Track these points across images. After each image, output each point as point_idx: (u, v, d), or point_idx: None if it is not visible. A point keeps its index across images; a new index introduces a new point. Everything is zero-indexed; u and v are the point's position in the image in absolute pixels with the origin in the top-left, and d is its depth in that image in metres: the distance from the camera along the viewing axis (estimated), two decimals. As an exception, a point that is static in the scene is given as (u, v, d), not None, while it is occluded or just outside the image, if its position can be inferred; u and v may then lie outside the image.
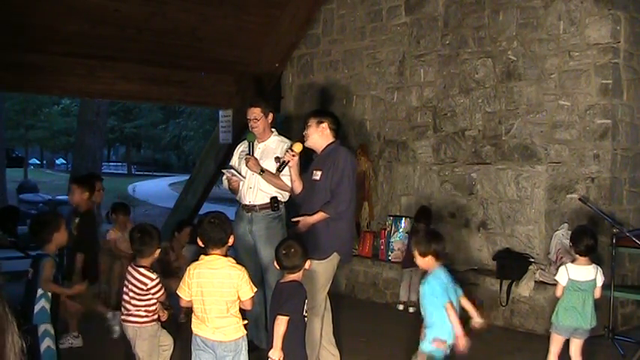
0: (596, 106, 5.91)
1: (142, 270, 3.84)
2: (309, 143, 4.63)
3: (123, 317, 3.94)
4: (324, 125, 4.58)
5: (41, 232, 4.12)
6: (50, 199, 16.37)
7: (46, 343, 3.93)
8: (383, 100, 7.69)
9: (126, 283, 3.90)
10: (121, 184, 26.64)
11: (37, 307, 3.96)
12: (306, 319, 3.64)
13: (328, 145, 4.60)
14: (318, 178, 4.51)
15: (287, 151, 4.61)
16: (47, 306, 3.99)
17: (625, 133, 6.01)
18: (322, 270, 4.39)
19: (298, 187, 4.69)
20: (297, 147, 4.58)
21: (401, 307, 6.60)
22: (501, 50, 6.54)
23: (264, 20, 8.16)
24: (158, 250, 3.94)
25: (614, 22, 5.85)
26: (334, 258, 4.48)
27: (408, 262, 6.14)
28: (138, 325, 3.86)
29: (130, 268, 3.93)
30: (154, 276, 3.85)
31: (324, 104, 8.22)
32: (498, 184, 6.57)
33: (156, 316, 3.90)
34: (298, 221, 4.53)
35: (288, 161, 4.56)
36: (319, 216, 4.42)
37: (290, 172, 4.66)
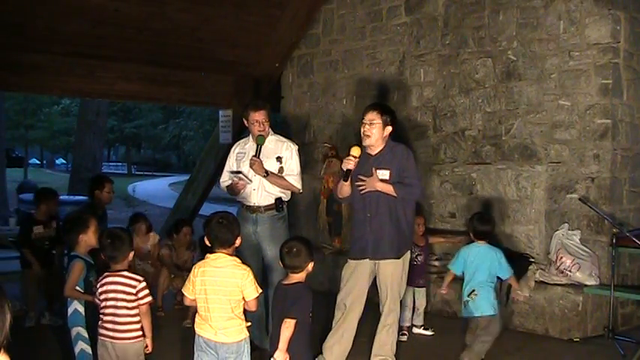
0: (596, 106, 5.91)
1: (124, 273, 3.62)
2: (369, 142, 4.55)
3: (107, 334, 3.60)
4: (390, 129, 4.58)
5: (69, 232, 4.10)
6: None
7: (80, 346, 3.82)
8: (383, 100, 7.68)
9: (107, 295, 3.60)
10: (121, 184, 26.53)
11: (69, 310, 3.89)
12: (311, 319, 3.61)
13: (386, 144, 4.60)
14: (387, 177, 4.49)
15: (346, 159, 4.51)
16: (80, 309, 3.88)
17: (625, 133, 6.01)
18: (401, 268, 4.63)
19: (347, 192, 4.63)
20: (356, 151, 4.50)
21: (404, 338, 5.56)
22: (501, 50, 6.54)
23: (264, 20, 8.15)
24: (131, 254, 3.72)
25: (614, 22, 5.85)
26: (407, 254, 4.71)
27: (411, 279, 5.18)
28: (128, 341, 3.57)
29: (109, 278, 3.64)
30: (140, 277, 3.64)
31: (324, 104, 8.22)
32: (498, 184, 6.57)
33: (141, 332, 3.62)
34: (364, 179, 4.47)
35: (351, 169, 4.49)
36: (389, 188, 4.43)
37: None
